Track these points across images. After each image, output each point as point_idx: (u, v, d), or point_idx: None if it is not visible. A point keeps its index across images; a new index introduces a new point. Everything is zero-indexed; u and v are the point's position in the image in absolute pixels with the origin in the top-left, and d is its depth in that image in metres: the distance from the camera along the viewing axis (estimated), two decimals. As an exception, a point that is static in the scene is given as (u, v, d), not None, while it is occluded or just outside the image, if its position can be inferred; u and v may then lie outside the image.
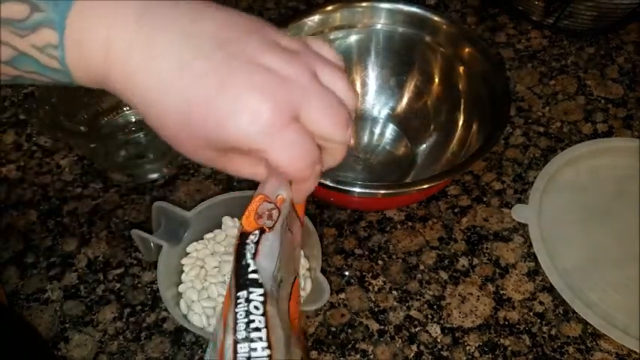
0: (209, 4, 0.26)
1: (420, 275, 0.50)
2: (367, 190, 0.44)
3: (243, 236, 0.27)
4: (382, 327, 0.46)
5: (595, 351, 0.45)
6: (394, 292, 0.48)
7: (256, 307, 0.25)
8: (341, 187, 0.43)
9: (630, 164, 0.57)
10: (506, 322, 0.47)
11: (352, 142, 0.29)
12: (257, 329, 0.24)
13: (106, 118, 0.58)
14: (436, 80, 0.57)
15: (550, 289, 0.49)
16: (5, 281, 0.49)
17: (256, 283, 0.25)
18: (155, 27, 0.24)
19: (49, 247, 0.51)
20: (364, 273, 0.50)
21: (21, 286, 0.49)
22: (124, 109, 0.59)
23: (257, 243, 0.26)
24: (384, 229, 0.52)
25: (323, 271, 0.49)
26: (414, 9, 0.55)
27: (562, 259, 0.50)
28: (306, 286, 0.44)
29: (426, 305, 0.48)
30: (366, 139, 0.59)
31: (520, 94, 0.64)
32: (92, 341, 0.46)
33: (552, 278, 0.48)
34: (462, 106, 0.55)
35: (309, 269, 0.45)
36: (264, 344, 0.24)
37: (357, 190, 0.43)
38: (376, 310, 0.47)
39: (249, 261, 0.26)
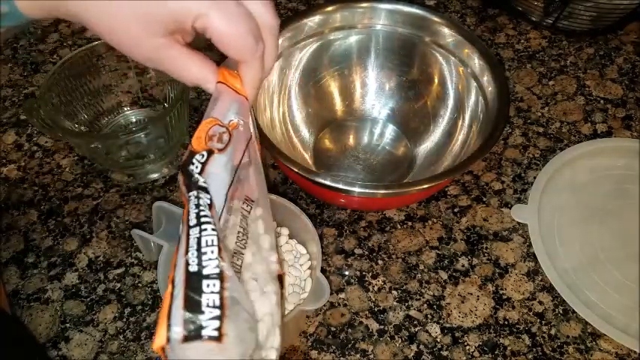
0: None
1: (419, 275, 0.50)
2: (367, 190, 0.44)
3: (190, 155, 0.29)
4: (382, 327, 0.47)
5: (595, 351, 0.45)
6: (394, 292, 0.49)
7: (209, 205, 0.27)
8: (341, 187, 0.43)
9: (630, 164, 0.57)
10: (506, 322, 0.47)
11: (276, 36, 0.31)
12: (206, 216, 0.26)
13: (106, 118, 0.58)
14: (436, 80, 0.57)
15: (550, 289, 0.49)
16: (6, 281, 0.49)
17: (204, 190, 0.27)
18: None
19: (49, 247, 0.51)
20: (364, 273, 0.50)
21: (21, 285, 0.49)
22: (125, 109, 0.59)
23: (204, 163, 0.28)
24: (384, 229, 0.53)
25: (323, 271, 0.49)
26: (413, 9, 0.55)
27: (562, 259, 0.50)
28: (306, 285, 0.44)
29: (425, 305, 0.48)
30: (366, 139, 0.59)
31: (519, 95, 0.64)
32: (92, 341, 0.46)
33: (552, 278, 0.48)
34: (461, 107, 0.55)
35: (310, 268, 0.45)
36: (213, 226, 0.26)
37: (357, 190, 0.43)
38: (376, 309, 0.48)
39: (197, 176, 0.28)
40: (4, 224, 0.53)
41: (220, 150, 0.29)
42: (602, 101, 0.64)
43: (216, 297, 0.24)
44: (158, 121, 0.51)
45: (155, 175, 0.56)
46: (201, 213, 0.26)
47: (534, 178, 0.55)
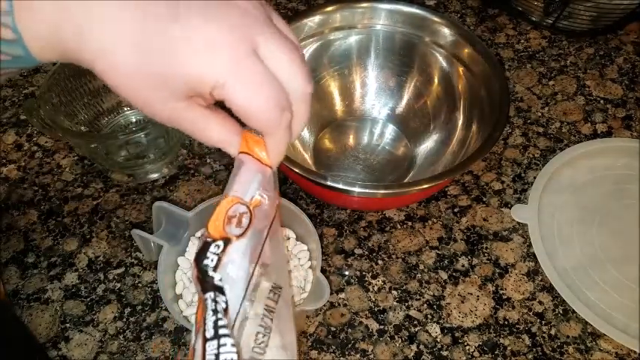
0: None
1: (419, 275, 0.50)
2: (367, 190, 0.44)
3: (205, 245, 0.25)
4: (382, 327, 0.47)
5: (594, 351, 0.45)
6: (394, 292, 0.49)
7: (224, 309, 0.24)
8: (341, 187, 0.43)
9: (630, 164, 0.57)
10: (506, 322, 0.47)
11: (310, 89, 0.27)
12: (224, 327, 0.24)
13: (106, 119, 0.58)
14: (436, 81, 0.57)
15: (550, 289, 0.49)
16: (6, 281, 0.49)
17: (220, 291, 0.25)
18: None
19: (49, 247, 0.51)
20: (364, 273, 0.50)
21: (22, 285, 0.49)
22: (125, 109, 0.59)
23: (220, 255, 0.25)
24: (383, 229, 0.53)
25: (323, 271, 0.49)
26: (413, 9, 0.55)
27: (561, 259, 0.50)
28: (306, 285, 0.44)
29: (425, 305, 0.48)
30: (366, 139, 0.59)
31: (519, 95, 0.64)
32: (92, 341, 0.46)
33: (552, 278, 0.48)
34: (461, 107, 0.55)
35: (310, 268, 0.45)
36: (232, 341, 0.24)
37: (357, 190, 0.43)
38: (376, 309, 0.48)
39: (212, 273, 0.25)
40: (4, 224, 0.53)
41: (239, 236, 0.26)
42: (602, 101, 0.64)
43: None
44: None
45: (155, 175, 0.56)
46: (219, 323, 0.24)
47: (534, 178, 0.55)
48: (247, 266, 0.26)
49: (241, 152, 0.28)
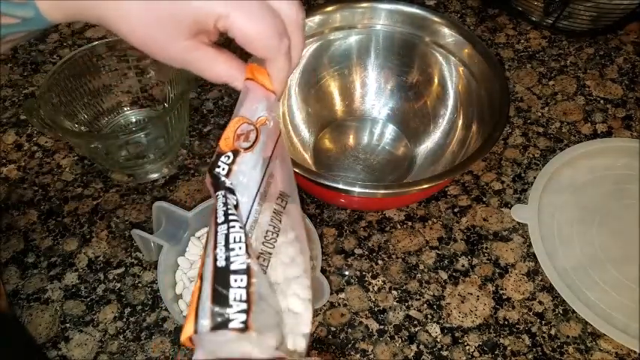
0: None
1: (419, 275, 0.50)
2: (367, 190, 0.44)
3: (217, 156, 0.29)
4: (382, 327, 0.47)
5: (594, 351, 0.45)
6: (394, 292, 0.49)
7: (235, 206, 0.28)
8: (341, 187, 0.43)
9: (630, 164, 0.57)
10: (506, 322, 0.47)
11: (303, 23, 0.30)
12: (233, 214, 0.27)
13: (106, 119, 0.58)
14: (436, 81, 0.57)
15: (550, 289, 0.49)
16: (6, 281, 0.49)
17: (231, 191, 0.28)
18: None
19: (49, 247, 0.51)
20: (364, 273, 0.50)
21: (21, 285, 0.49)
22: (125, 109, 0.59)
23: (231, 164, 0.29)
24: (383, 229, 0.53)
25: (323, 271, 0.49)
26: (413, 9, 0.55)
27: (562, 259, 0.50)
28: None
29: (425, 305, 0.48)
30: (366, 139, 0.59)
31: (519, 95, 0.64)
32: (92, 341, 0.46)
33: (552, 278, 0.48)
34: (461, 107, 0.55)
35: (312, 268, 0.45)
36: (241, 224, 0.26)
37: (357, 190, 0.43)
38: (376, 309, 0.48)
39: (223, 179, 0.28)
40: (4, 224, 0.53)
41: (247, 149, 0.29)
42: (602, 101, 0.64)
43: (243, 292, 0.24)
44: (158, 121, 0.51)
45: (155, 175, 0.56)
46: (229, 211, 0.27)
47: (534, 178, 0.55)
48: (257, 177, 0.29)
49: (247, 79, 0.31)
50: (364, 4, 0.55)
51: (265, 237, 0.29)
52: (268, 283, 0.27)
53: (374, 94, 0.60)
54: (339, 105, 0.60)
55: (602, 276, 0.49)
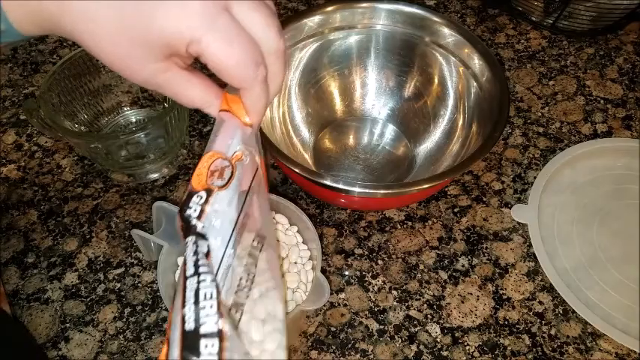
0: None
1: (419, 275, 0.50)
2: (367, 190, 0.44)
3: (188, 196, 0.27)
4: (382, 327, 0.47)
5: (595, 351, 0.45)
6: (394, 292, 0.49)
7: (207, 253, 0.25)
8: (341, 187, 0.43)
9: (630, 164, 0.57)
10: (506, 322, 0.47)
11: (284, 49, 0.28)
12: (204, 265, 0.25)
13: (106, 118, 0.58)
14: (436, 81, 0.57)
15: (550, 289, 0.49)
16: (6, 281, 0.49)
17: (202, 237, 0.26)
18: None
19: (49, 247, 0.51)
20: (364, 273, 0.50)
21: (21, 285, 0.49)
22: (125, 109, 0.59)
23: (203, 204, 0.26)
24: (384, 229, 0.53)
25: (323, 271, 0.49)
26: (413, 9, 0.55)
27: (562, 259, 0.50)
28: (306, 285, 0.44)
29: (425, 305, 0.48)
30: (366, 139, 0.59)
31: (519, 95, 0.64)
32: (92, 341, 0.46)
33: (552, 278, 0.48)
34: (461, 107, 0.55)
35: (311, 267, 0.45)
36: (212, 277, 0.24)
37: (357, 190, 0.43)
38: (376, 309, 0.47)
39: (194, 221, 0.26)
40: (4, 224, 0.53)
41: (221, 187, 0.27)
42: (602, 101, 0.64)
43: (215, 359, 0.22)
44: (158, 121, 0.51)
45: (155, 175, 0.56)
46: (199, 262, 0.25)
47: (534, 178, 0.55)
48: (232, 214, 0.27)
49: (222, 110, 0.29)
50: (364, 4, 0.55)
51: (239, 286, 0.27)
52: (241, 347, 0.24)
53: (374, 94, 0.60)
54: (339, 105, 0.60)
55: (602, 276, 0.49)
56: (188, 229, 0.26)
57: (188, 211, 0.26)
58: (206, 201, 0.26)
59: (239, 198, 0.28)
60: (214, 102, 0.29)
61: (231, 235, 0.27)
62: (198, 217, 0.26)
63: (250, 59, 0.26)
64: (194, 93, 0.28)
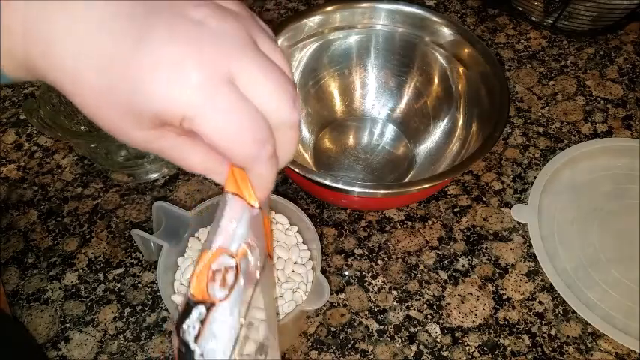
0: None
1: (419, 275, 0.50)
2: (367, 190, 0.44)
3: (186, 309, 0.23)
4: (382, 327, 0.47)
5: (595, 351, 0.45)
6: (394, 292, 0.49)
7: None
8: (341, 187, 0.43)
9: (630, 164, 0.57)
10: (506, 322, 0.47)
11: (300, 121, 0.25)
12: None
13: (106, 119, 0.58)
14: (436, 81, 0.57)
15: (550, 289, 0.49)
16: (6, 281, 0.49)
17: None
18: None
19: (49, 247, 0.51)
20: (364, 273, 0.50)
21: (21, 285, 0.49)
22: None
23: (203, 322, 0.23)
24: (383, 229, 0.53)
25: (323, 271, 0.49)
26: (413, 9, 0.55)
27: (562, 259, 0.50)
28: (306, 285, 0.44)
29: (425, 305, 0.48)
30: (366, 139, 0.59)
31: (519, 95, 0.64)
32: (92, 341, 0.46)
33: (552, 278, 0.48)
34: (461, 107, 0.55)
35: (311, 267, 0.45)
36: None
37: (357, 190, 0.43)
38: (376, 309, 0.47)
39: (193, 345, 0.22)
40: (4, 224, 0.53)
41: (223, 299, 0.23)
42: (602, 101, 0.64)
43: None
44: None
45: (155, 175, 0.56)
46: None
47: (534, 178, 0.55)
48: (233, 324, 0.24)
49: (225, 190, 0.25)
50: (364, 4, 0.55)
51: None
52: None
53: (374, 94, 0.60)
54: (339, 105, 0.60)
55: (602, 276, 0.49)
56: (186, 353, 0.22)
57: (186, 328, 0.23)
58: (205, 317, 0.23)
59: (242, 302, 0.24)
60: (218, 169, 0.25)
61: (233, 348, 0.24)
62: (196, 339, 0.23)
63: (252, 139, 0.22)
64: (194, 161, 0.25)
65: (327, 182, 0.43)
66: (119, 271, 0.50)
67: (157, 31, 0.21)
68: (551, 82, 0.66)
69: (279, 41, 0.53)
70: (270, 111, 0.23)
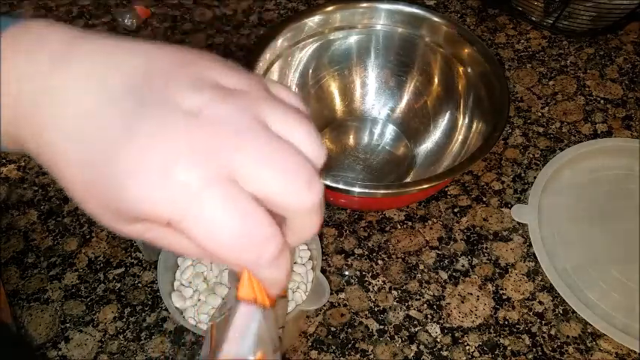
0: (141, 40, 0.21)
1: (419, 275, 0.50)
2: (367, 190, 0.44)
3: None
4: (382, 327, 0.47)
5: (594, 351, 0.45)
6: (394, 292, 0.49)
7: None
8: (341, 187, 0.43)
9: (630, 164, 0.57)
10: (506, 322, 0.47)
11: (321, 209, 0.21)
12: None
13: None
14: (436, 81, 0.57)
15: (550, 289, 0.49)
16: (6, 281, 0.49)
17: None
18: (69, 69, 0.20)
19: (49, 247, 0.51)
20: (364, 273, 0.50)
21: (21, 285, 0.49)
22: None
23: None
24: (383, 229, 0.53)
25: (323, 271, 0.49)
26: (413, 9, 0.55)
27: (562, 259, 0.50)
28: (306, 285, 0.44)
29: (425, 305, 0.48)
30: (366, 139, 0.59)
31: (519, 95, 0.64)
32: (92, 341, 0.46)
33: (552, 278, 0.48)
34: (461, 107, 0.55)
35: (311, 267, 0.45)
36: None
37: (357, 190, 0.43)
38: (376, 309, 0.48)
39: None
40: (4, 224, 0.53)
41: None
42: (602, 101, 0.64)
43: None
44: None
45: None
46: None
47: (534, 178, 0.55)
48: None
49: (238, 296, 0.22)
50: (364, 4, 0.55)
51: None
52: None
53: (374, 94, 0.60)
54: (339, 105, 0.60)
55: (602, 276, 0.49)
56: None
57: None
58: None
59: None
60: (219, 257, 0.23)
61: None
62: None
63: (248, 244, 0.19)
64: (190, 249, 0.22)
65: (327, 182, 0.43)
66: (119, 271, 0.50)
67: (144, 126, 0.19)
68: (551, 82, 0.66)
69: (279, 41, 0.53)
70: (278, 201, 0.20)
